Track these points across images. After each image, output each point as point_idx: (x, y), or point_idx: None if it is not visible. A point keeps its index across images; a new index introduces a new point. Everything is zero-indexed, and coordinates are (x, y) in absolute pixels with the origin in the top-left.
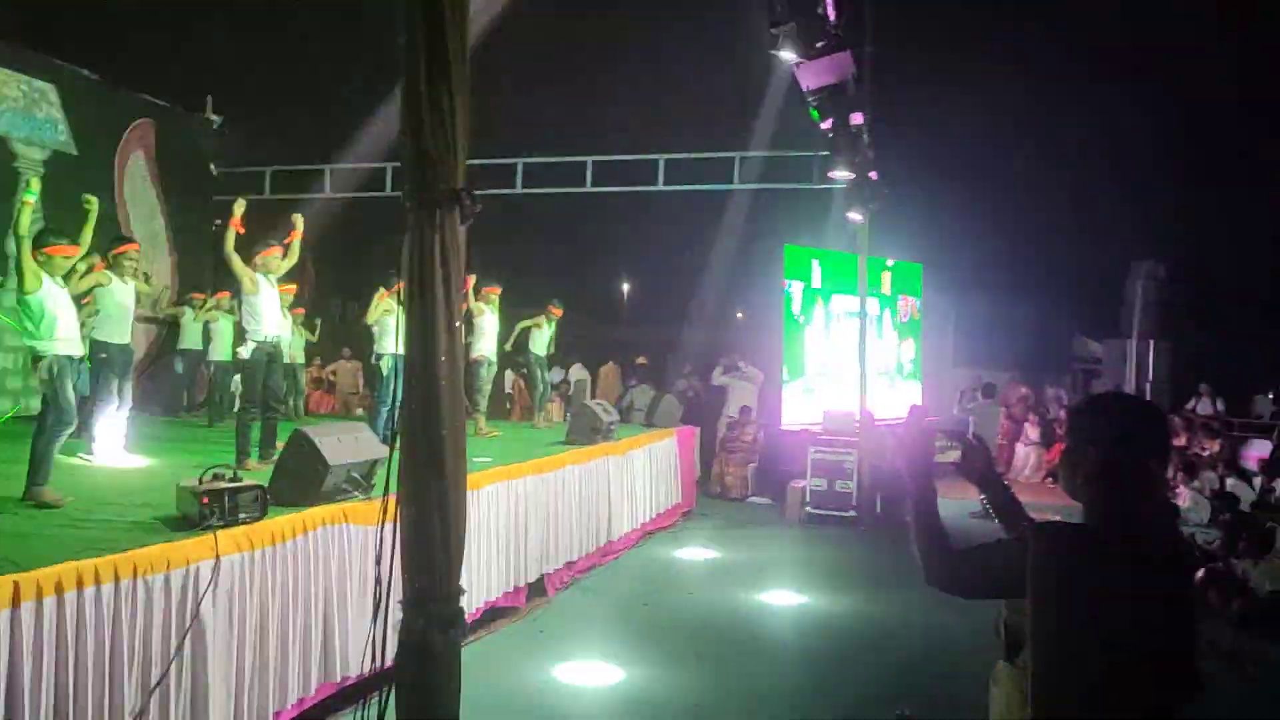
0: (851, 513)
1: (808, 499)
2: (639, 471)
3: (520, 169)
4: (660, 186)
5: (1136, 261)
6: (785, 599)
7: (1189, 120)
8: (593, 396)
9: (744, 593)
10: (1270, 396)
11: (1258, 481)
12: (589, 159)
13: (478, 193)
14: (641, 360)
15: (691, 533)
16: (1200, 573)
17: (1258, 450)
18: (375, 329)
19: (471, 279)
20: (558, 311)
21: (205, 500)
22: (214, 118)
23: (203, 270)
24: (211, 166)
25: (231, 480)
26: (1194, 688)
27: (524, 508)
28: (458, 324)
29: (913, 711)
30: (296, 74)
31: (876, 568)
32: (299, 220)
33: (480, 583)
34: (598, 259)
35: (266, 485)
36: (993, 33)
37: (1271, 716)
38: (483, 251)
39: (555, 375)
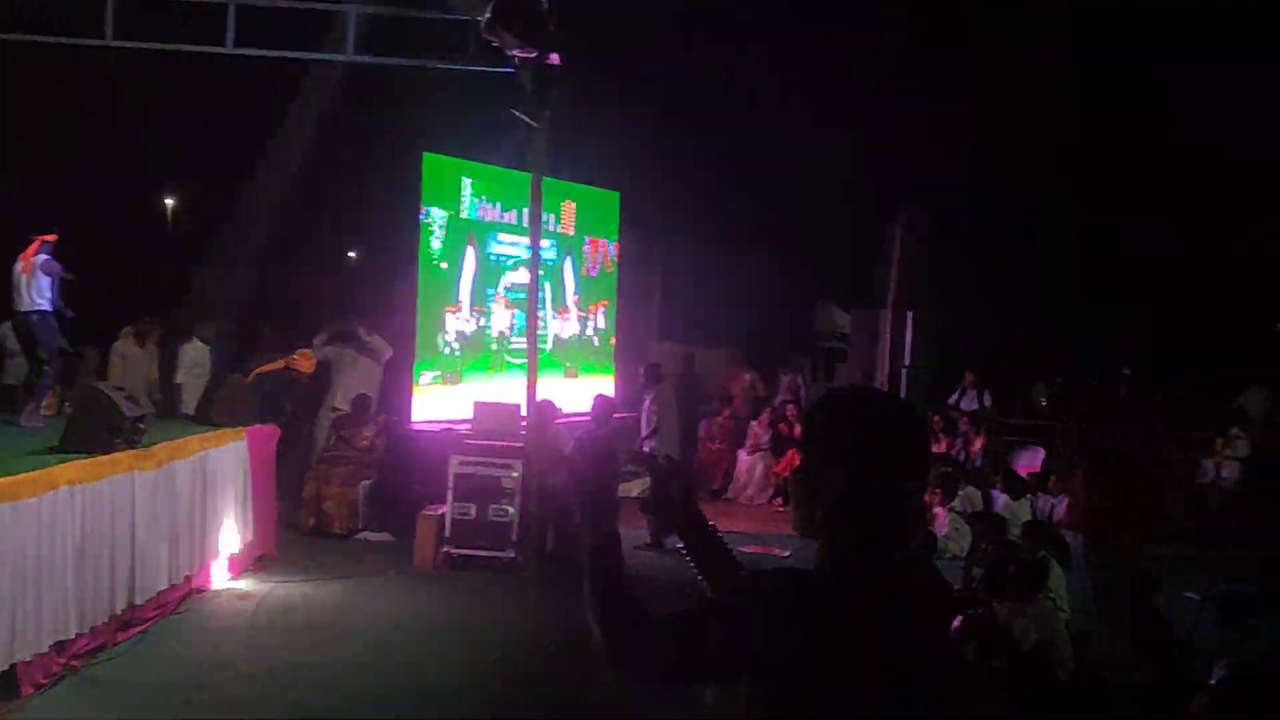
0: (510, 553)
1: (447, 533)
2: (185, 495)
3: None
4: (230, 49)
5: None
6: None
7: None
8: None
9: (341, 683)
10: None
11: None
12: None
13: None
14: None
15: (268, 591)
16: (957, 622)
17: (1027, 461)
18: None
19: None
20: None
21: None
22: None
23: None
24: None
25: None
26: None
27: None
28: None
29: None
30: None
31: (538, 635)
32: None
33: None
34: (121, 159)
35: None
36: None
37: None
38: None
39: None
